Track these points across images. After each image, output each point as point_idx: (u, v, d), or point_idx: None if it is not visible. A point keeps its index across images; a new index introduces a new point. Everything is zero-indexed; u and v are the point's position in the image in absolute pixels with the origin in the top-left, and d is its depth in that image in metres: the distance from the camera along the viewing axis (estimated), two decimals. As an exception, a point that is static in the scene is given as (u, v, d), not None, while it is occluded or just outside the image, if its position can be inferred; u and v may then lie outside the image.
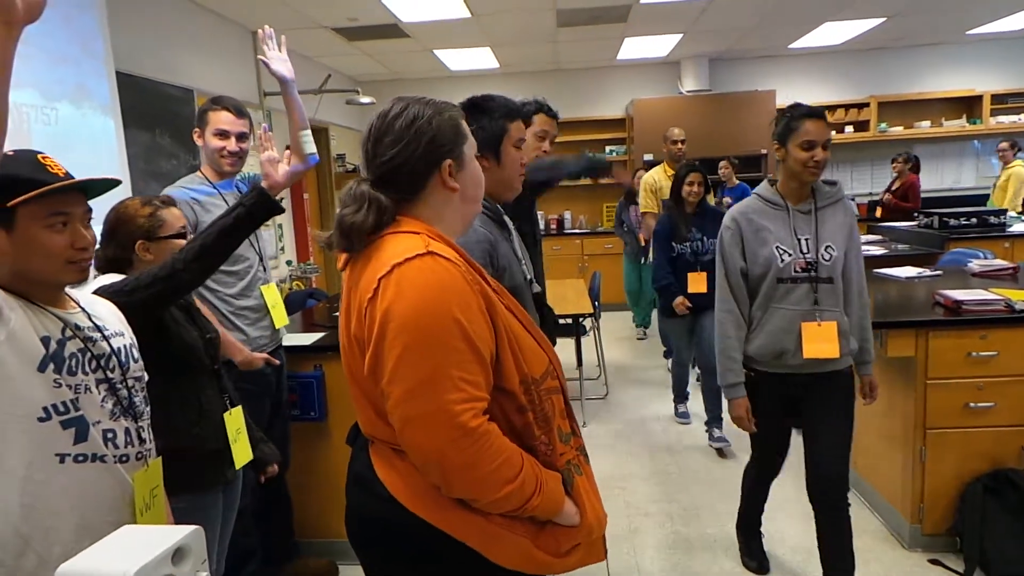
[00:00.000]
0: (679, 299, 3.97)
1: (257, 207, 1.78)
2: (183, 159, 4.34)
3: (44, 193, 1.23)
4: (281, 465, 2.63)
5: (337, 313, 1.33)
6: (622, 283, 6.65)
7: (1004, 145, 6.94)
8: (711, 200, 4.40)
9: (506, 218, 1.90)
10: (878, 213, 6.99)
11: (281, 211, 1.86)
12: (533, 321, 1.32)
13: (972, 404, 2.68)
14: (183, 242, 1.82)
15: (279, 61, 2.51)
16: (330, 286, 6.90)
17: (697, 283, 3.94)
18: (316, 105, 5.99)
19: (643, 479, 3.66)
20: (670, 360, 4.90)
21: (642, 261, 6.01)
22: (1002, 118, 7.90)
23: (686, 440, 4.12)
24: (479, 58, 7.27)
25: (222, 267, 2.33)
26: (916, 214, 6.04)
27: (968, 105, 8.03)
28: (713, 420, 4.04)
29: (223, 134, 2.42)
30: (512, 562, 1.20)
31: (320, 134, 6.76)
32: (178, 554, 0.83)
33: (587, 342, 5.00)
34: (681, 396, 4.47)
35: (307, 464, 2.82)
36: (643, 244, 5.63)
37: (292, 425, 2.78)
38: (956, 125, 7.97)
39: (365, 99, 5.72)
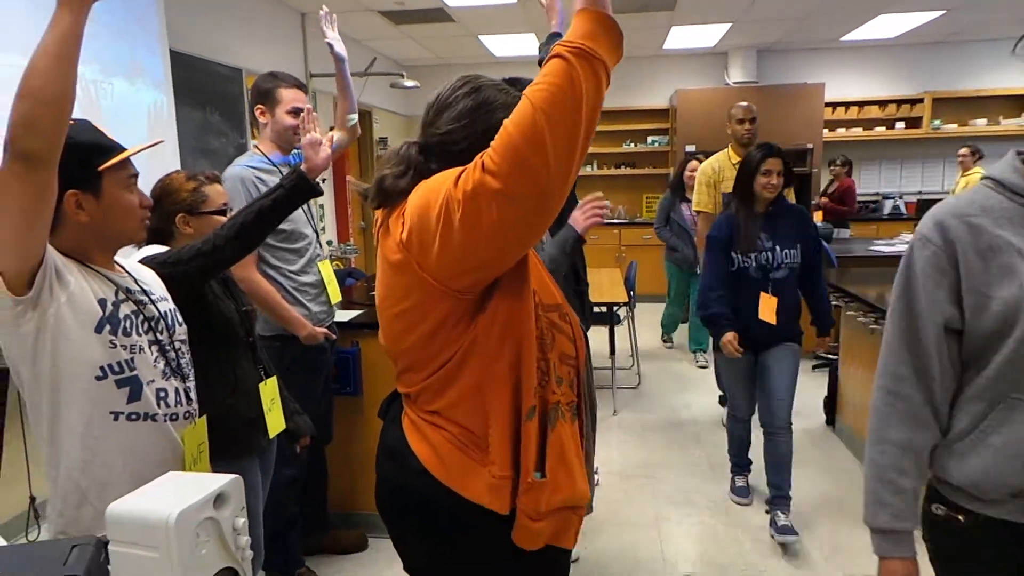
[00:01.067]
0: (728, 336, 2.87)
1: (296, 189, 1.82)
2: (232, 137, 4.45)
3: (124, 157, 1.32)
4: (324, 438, 2.71)
5: (374, 292, 1.36)
6: (659, 273, 6.56)
7: (964, 151, 6.84)
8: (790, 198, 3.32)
9: None
10: (819, 217, 6.87)
11: (320, 193, 1.90)
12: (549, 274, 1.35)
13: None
14: (223, 218, 1.87)
15: (338, 42, 2.58)
16: (369, 266, 7.01)
17: (767, 310, 2.91)
18: (361, 88, 6.06)
19: (672, 469, 3.66)
20: (725, 412, 3.97)
21: (697, 271, 4.83)
22: (1064, 118, 7.60)
23: (718, 433, 4.10)
24: (524, 44, 7.27)
25: (285, 245, 2.42)
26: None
27: (1026, 104, 7.75)
28: (777, 500, 2.99)
29: (299, 112, 2.43)
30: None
31: (364, 117, 6.84)
32: (219, 500, 0.87)
33: (620, 332, 4.99)
34: (740, 464, 3.36)
35: (340, 438, 2.89)
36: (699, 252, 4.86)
37: (328, 399, 2.87)
38: (1014, 123, 7.69)
39: (409, 83, 5.77)
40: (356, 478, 2.94)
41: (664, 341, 6.14)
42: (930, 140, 7.85)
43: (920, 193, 8.02)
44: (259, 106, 2.48)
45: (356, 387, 2.90)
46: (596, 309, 4.47)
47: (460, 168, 1.09)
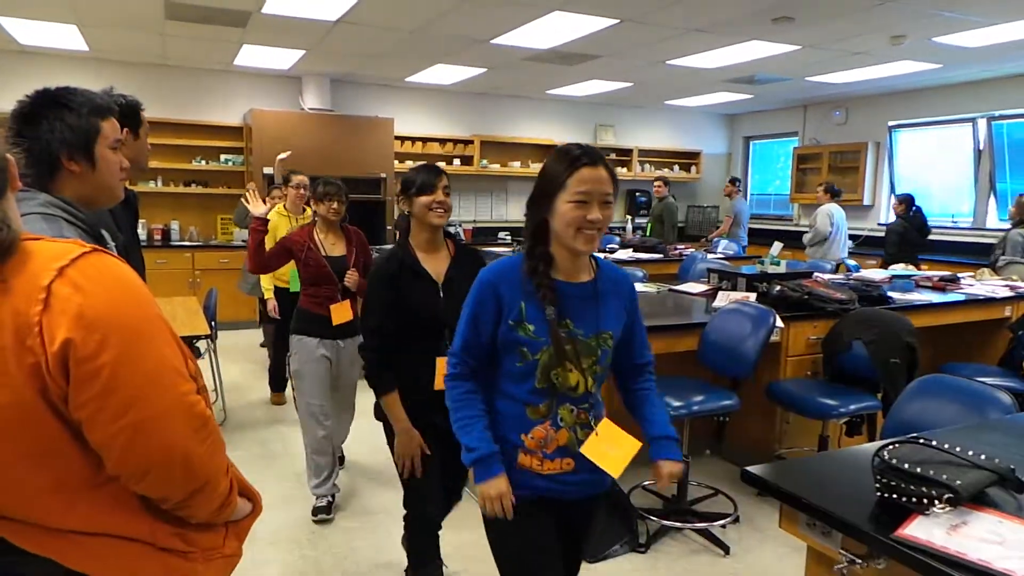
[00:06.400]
0: None
1: None
2: None
3: None
4: None
5: None
6: (239, 298, 6.16)
7: (659, 183, 8.52)
8: None
9: (104, 232, 1.65)
10: None
11: None
12: None
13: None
14: None
15: None
16: None
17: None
18: None
19: (268, 508, 3.45)
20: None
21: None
22: (570, 165, 9.60)
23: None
24: (62, 35, 6.17)
25: None
26: (515, 242, 6.96)
27: (547, 152, 9.53)
28: None
29: None
30: None
31: None
32: None
33: (202, 365, 4.57)
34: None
35: None
36: None
37: None
38: (539, 167, 9.39)
39: None
40: None
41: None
42: (480, 176, 9.11)
43: (475, 221, 9.24)
44: None
45: None
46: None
47: None
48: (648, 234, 8.33)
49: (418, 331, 2.28)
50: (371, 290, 2.33)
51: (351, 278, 3.34)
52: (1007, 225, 7.35)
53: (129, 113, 2.06)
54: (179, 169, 7.60)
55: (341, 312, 3.32)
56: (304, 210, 4.73)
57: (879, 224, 8.62)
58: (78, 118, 1.43)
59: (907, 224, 7.07)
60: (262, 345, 6.55)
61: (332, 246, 3.37)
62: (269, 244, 3.49)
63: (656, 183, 8.38)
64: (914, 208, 7.15)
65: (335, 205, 3.31)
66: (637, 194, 10.14)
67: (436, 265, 2.35)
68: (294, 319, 3.41)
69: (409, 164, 8.59)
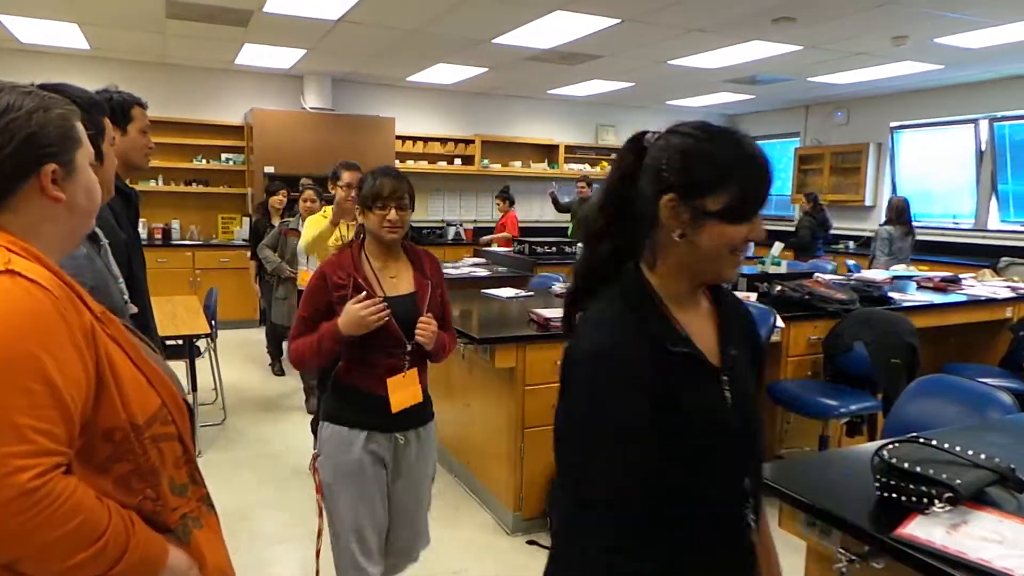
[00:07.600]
0: None
1: None
2: None
3: None
4: None
5: None
6: (240, 297, 6.17)
7: (582, 184, 8.50)
8: None
9: (97, 229, 1.66)
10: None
11: None
12: (146, 352, 1.12)
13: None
14: None
15: None
16: None
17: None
18: None
19: (272, 507, 3.47)
20: None
21: None
22: (574, 165, 9.60)
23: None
24: (63, 33, 6.17)
25: None
26: (513, 242, 6.96)
27: (548, 152, 9.56)
28: None
29: None
30: None
31: None
32: None
33: (202, 364, 4.57)
34: None
35: None
36: None
37: None
38: (540, 168, 9.42)
39: None
40: None
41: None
42: (481, 176, 9.10)
43: (476, 221, 9.23)
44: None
45: None
46: (171, 342, 4.02)
47: None
48: (570, 235, 7.82)
49: (700, 472, 1.04)
50: (598, 416, 1.00)
51: (425, 331, 2.02)
52: (1009, 226, 7.34)
53: (117, 109, 2.03)
54: (180, 168, 7.59)
55: (404, 390, 2.03)
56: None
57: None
58: (88, 114, 1.42)
59: (814, 219, 7.78)
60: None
61: (392, 281, 2.08)
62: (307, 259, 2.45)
63: (580, 184, 7.77)
64: (818, 205, 7.92)
65: (391, 215, 2.01)
66: (638, 194, 10.12)
67: (701, 332, 1.12)
68: (327, 397, 2.14)
69: (410, 164, 8.58)
